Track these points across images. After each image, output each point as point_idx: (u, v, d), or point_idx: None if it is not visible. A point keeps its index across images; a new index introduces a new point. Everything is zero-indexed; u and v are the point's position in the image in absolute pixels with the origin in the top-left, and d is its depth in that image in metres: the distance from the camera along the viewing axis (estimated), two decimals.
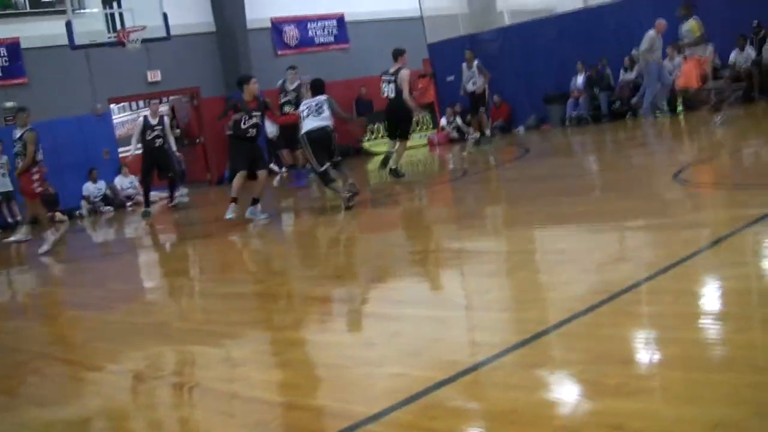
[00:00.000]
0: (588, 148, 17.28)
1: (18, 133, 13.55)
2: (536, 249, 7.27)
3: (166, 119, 18.09)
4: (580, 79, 22.16)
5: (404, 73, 15.53)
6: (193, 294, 8.03)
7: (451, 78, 24.88)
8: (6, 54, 20.68)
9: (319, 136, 12.18)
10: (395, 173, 15.14)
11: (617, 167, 12.99)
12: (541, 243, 7.50)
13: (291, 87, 17.39)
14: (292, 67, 17.11)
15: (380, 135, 24.41)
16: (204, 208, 17.20)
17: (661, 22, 17.81)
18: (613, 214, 8.00)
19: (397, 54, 15.93)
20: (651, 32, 17.84)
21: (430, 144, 24.26)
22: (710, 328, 4.30)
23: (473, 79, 19.90)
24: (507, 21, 25.28)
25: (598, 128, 20.31)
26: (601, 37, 22.15)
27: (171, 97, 25.23)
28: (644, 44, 17.93)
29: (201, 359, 5.33)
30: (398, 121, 15.82)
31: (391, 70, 15.58)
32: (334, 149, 12.39)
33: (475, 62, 19.87)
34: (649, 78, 18.27)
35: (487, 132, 20.75)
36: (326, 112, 12.30)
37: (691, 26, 15.56)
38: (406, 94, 15.31)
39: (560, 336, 4.42)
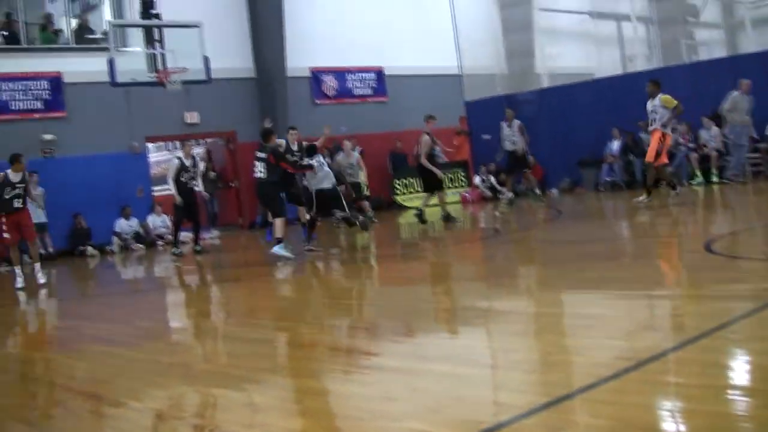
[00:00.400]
0: (620, 214, 17.22)
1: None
2: (564, 312, 7.23)
3: (199, 161, 18.15)
4: (615, 145, 22.17)
5: (424, 139, 16.20)
6: (219, 337, 8.03)
7: (487, 136, 24.94)
8: (48, 87, 20.97)
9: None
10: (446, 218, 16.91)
11: (649, 234, 12.94)
12: (569, 306, 7.46)
13: (295, 147, 17.10)
14: (293, 128, 17.29)
15: (413, 190, 24.48)
16: (234, 252, 17.25)
17: (745, 82, 17.80)
18: (642, 281, 7.94)
19: (427, 117, 17.39)
20: (735, 93, 17.83)
21: (463, 201, 24.29)
22: (736, 402, 4.25)
23: (513, 138, 19.81)
24: (545, 83, 25.37)
25: (632, 194, 20.24)
26: (638, 104, 22.12)
27: (207, 140, 25.42)
28: (727, 104, 17.93)
29: (223, 402, 5.32)
30: (426, 179, 17.50)
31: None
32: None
33: (516, 121, 19.86)
34: (736, 139, 18.31)
35: (537, 190, 20.72)
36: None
37: (664, 100, 15.56)
38: (423, 159, 15.98)
39: (585, 401, 4.39)
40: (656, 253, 10.42)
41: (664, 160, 15.80)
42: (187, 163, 17.10)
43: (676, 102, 15.30)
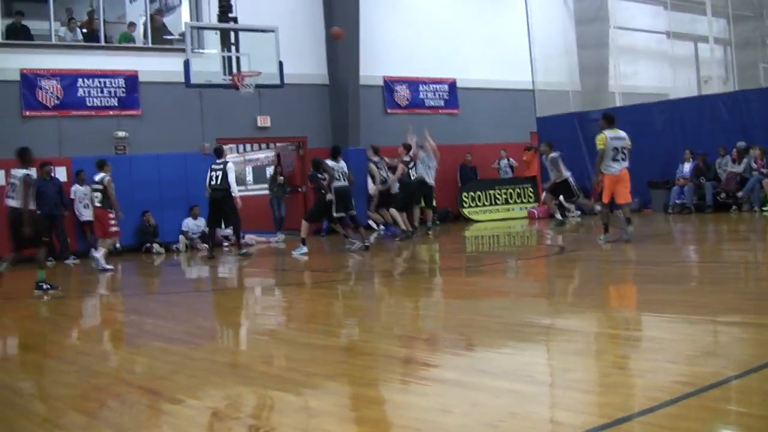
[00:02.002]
0: (689, 237, 17.02)
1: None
2: (625, 333, 7.15)
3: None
4: (686, 167, 21.91)
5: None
6: (278, 340, 8.06)
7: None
8: (124, 85, 21.29)
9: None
10: None
11: (717, 259, 12.77)
12: (631, 328, 7.39)
13: (375, 158, 19.37)
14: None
15: (480, 203, 24.45)
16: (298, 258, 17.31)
17: None
18: (707, 307, 7.84)
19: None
20: None
21: (530, 217, 24.16)
22: None
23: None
24: (618, 102, 25.16)
25: (701, 218, 20.01)
26: (713, 126, 21.91)
27: (278, 144, 25.60)
28: None
29: (279, 405, 5.35)
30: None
31: None
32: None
33: (552, 154, 19.70)
34: None
35: (558, 215, 20.68)
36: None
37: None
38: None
39: (642, 425, 4.34)
40: (723, 278, 10.27)
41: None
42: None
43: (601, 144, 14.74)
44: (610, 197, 14.68)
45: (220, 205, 17.46)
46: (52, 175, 19.14)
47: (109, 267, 16.12)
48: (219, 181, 17.25)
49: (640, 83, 26.67)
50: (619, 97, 25.73)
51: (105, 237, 16.59)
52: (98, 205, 16.53)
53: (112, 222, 16.45)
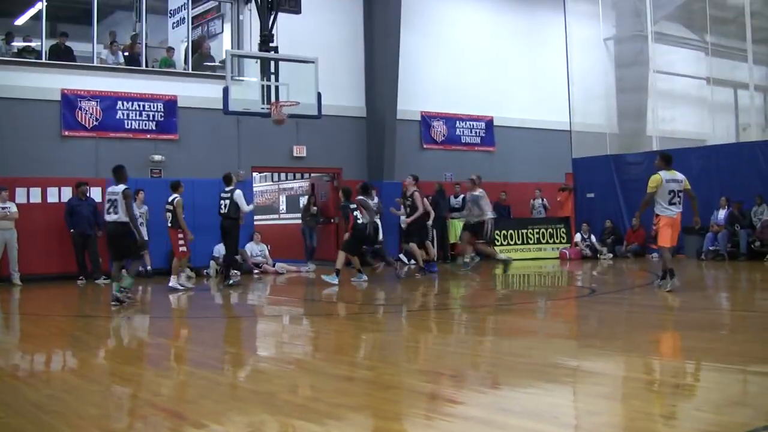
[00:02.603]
0: (721, 285, 16.88)
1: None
2: (653, 379, 7.10)
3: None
4: (722, 214, 21.79)
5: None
6: (304, 369, 8.06)
7: (591, 195, 24.81)
8: (162, 109, 21.50)
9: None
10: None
11: (749, 308, 12.66)
12: (659, 373, 7.33)
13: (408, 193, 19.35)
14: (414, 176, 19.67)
15: (512, 242, 24.37)
16: (327, 287, 17.30)
17: None
18: (738, 355, 7.76)
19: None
20: None
21: (562, 258, 24.09)
22: None
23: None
24: (655, 146, 25.07)
25: (734, 266, 19.87)
26: (750, 173, 21.79)
27: (312, 174, 25.69)
28: None
29: None
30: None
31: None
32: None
33: (476, 192, 18.98)
34: None
35: (467, 258, 20.49)
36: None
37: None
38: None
39: None
40: (754, 327, 10.18)
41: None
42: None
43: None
44: (671, 239, 14.05)
45: (225, 232, 17.77)
46: (88, 195, 19.38)
47: (181, 287, 17.00)
48: (227, 209, 17.39)
49: (678, 128, 26.60)
50: (656, 141, 25.64)
51: (176, 257, 17.26)
52: (169, 225, 17.13)
53: (181, 242, 17.07)
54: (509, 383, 7.01)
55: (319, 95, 19.37)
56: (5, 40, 21.04)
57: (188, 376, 7.59)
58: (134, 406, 6.29)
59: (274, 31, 19.75)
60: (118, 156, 20.25)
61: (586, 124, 26.32)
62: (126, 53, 22.06)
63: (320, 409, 6.03)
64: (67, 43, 21.11)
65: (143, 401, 6.53)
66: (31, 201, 19.52)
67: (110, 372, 8.11)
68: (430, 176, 24.22)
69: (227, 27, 23.65)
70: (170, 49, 22.62)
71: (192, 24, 22.87)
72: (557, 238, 25.00)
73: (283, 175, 28.87)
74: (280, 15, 20.02)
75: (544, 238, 24.86)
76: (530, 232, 24.85)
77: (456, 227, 22.98)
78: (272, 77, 19.19)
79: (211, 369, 7.89)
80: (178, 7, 23.30)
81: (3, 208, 18.45)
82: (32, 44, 21.21)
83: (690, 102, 27.81)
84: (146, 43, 22.16)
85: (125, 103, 21.13)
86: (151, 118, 21.43)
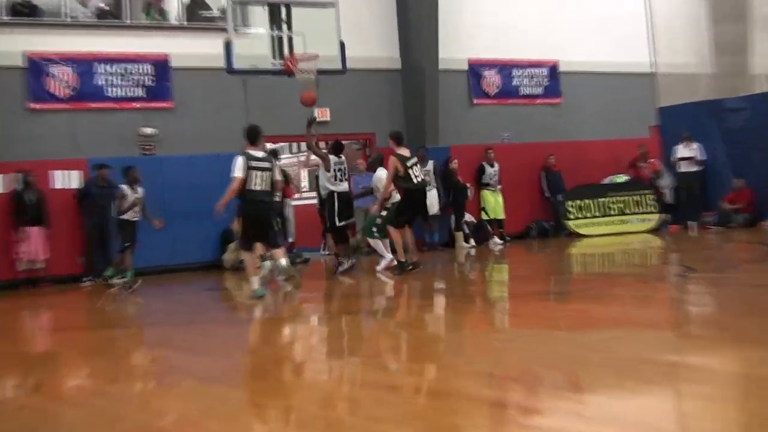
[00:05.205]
0: None
1: None
2: None
3: None
4: None
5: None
6: (336, 378, 8.06)
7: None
8: (152, 72, 21.52)
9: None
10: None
11: None
12: None
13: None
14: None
15: (591, 214, 24.17)
16: (359, 278, 17.32)
17: None
18: None
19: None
20: None
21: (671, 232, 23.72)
22: None
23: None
24: (764, 87, 24.77)
25: None
26: None
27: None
28: None
29: None
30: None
31: None
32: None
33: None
34: None
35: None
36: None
37: None
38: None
39: None
40: None
41: None
42: None
43: None
44: None
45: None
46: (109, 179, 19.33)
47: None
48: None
49: None
50: (765, 81, 25.35)
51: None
52: None
53: None
54: (589, 384, 6.98)
55: (342, 45, 19.21)
56: None
57: (192, 392, 7.60)
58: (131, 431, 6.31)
59: None
60: (99, 131, 20.39)
61: (673, 64, 26.04)
62: (102, 4, 21.98)
63: (358, 424, 6.06)
64: None
65: (138, 425, 6.53)
66: None
67: (100, 393, 8.11)
68: (482, 138, 24.11)
69: None
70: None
71: None
72: (645, 207, 24.70)
73: (303, 145, 28.90)
74: None
75: (628, 208, 24.59)
76: (611, 202, 24.57)
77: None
78: (284, 26, 19.04)
79: (220, 382, 7.92)
80: None
81: None
82: None
83: None
84: None
85: (105, 66, 21.20)
86: (138, 84, 21.50)
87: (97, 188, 19.23)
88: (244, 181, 13.68)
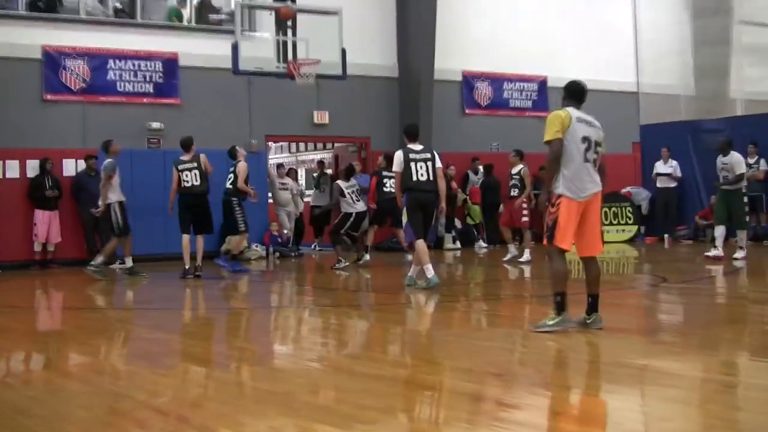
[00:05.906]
0: None
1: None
2: (735, 381, 7.11)
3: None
4: None
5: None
6: (328, 367, 8.11)
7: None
8: (161, 69, 21.53)
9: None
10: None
11: None
12: (742, 374, 7.35)
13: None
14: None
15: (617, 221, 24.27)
16: (360, 274, 17.37)
17: None
18: None
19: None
20: None
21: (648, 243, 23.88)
22: None
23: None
24: (740, 111, 24.88)
25: None
26: None
27: (336, 144, 25.72)
28: None
29: None
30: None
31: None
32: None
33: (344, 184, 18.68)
34: None
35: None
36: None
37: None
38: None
39: None
40: None
41: None
42: None
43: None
44: None
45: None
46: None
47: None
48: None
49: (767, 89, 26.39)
50: (741, 105, 25.45)
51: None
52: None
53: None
54: (562, 384, 7.06)
55: (343, 52, 19.31)
56: None
57: (193, 374, 7.70)
58: (132, 410, 6.34)
59: None
60: (109, 123, 20.37)
61: (656, 84, 26.15)
62: (118, 4, 22.04)
63: (346, 411, 6.11)
64: None
65: (142, 404, 6.56)
66: (8, 176, 19.60)
67: (104, 372, 8.18)
68: (472, 146, 24.23)
69: None
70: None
71: None
72: (622, 219, 24.80)
73: (302, 146, 28.93)
74: None
75: (606, 219, 24.65)
76: None
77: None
78: (289, 32, 19.10)
79: (220, 367, 8.02)
80: None
81: None
82: None
83: None
84: None
85: (117, 61, 21.18)
86: (148, 80, 21.49)
87: (89, 178, 19.35)
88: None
